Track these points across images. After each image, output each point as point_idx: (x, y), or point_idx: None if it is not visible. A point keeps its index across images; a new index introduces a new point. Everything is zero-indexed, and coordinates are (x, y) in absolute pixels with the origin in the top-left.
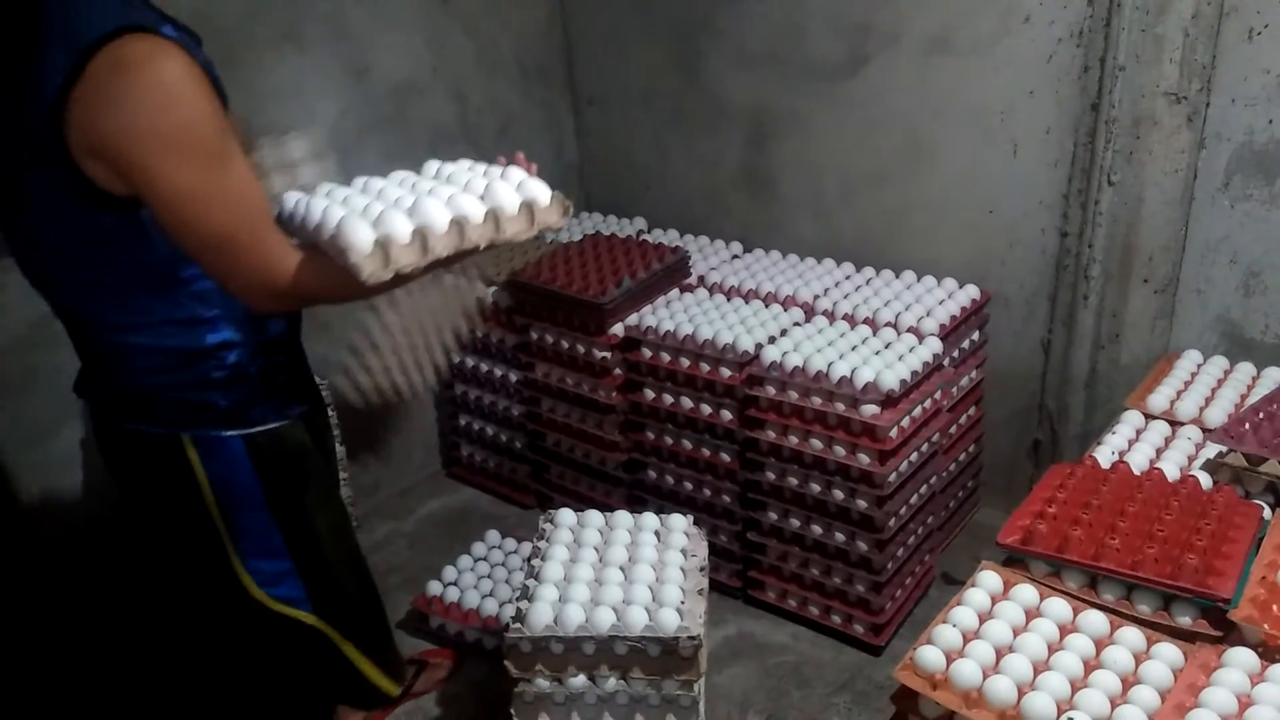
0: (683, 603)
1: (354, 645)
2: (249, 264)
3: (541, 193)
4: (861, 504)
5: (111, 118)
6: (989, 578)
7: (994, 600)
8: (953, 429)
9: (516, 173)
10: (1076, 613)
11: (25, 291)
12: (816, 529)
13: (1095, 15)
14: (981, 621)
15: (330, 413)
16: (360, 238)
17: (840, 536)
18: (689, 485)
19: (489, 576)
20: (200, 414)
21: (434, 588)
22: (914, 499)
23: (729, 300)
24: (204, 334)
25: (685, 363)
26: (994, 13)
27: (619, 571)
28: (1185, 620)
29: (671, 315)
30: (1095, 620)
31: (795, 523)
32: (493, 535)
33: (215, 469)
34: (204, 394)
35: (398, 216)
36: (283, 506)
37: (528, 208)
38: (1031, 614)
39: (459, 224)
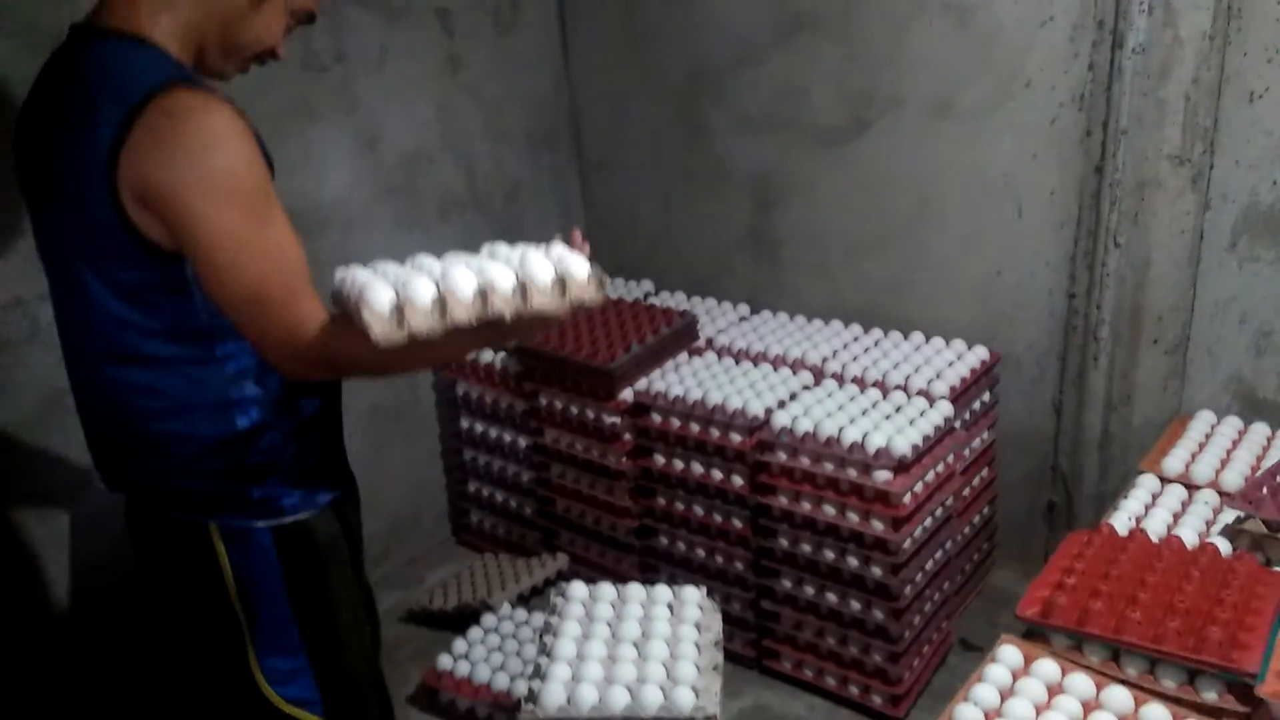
0: (698, 680)
1: None
2: (280, 323)
3: (578, 267)
4: (876, 571)
5: (159, 163)
6: (1009, 652)
7: (1015, 676)
8: (966, 491)
9: (559, 247)
10: (1100, 688)
11: (39, 369)
12: (831, 597)
13: (1096, 80)
14: (1003, 699)
15: None
16: (378, 299)
17: (856, 604)
18: (701, 552)
19: (500, 649)
20: (231, 503)
21: (444, 662)
22: (929, 565)
23: (738, 364)
24: (235, 418)
25: (695, 428)
26: (996, 78)
27: (632, 648)
28: (1211, 696)
29: (680, 380)
30: (1119, 696)
31: (810, 590)
32: (504, 606)
33: (240, 559)
34: (236, 483)
35: (423, 281)
36: (304, 601)
37: (561, 282)
38: (1054, 690)
39: (484, 293)
